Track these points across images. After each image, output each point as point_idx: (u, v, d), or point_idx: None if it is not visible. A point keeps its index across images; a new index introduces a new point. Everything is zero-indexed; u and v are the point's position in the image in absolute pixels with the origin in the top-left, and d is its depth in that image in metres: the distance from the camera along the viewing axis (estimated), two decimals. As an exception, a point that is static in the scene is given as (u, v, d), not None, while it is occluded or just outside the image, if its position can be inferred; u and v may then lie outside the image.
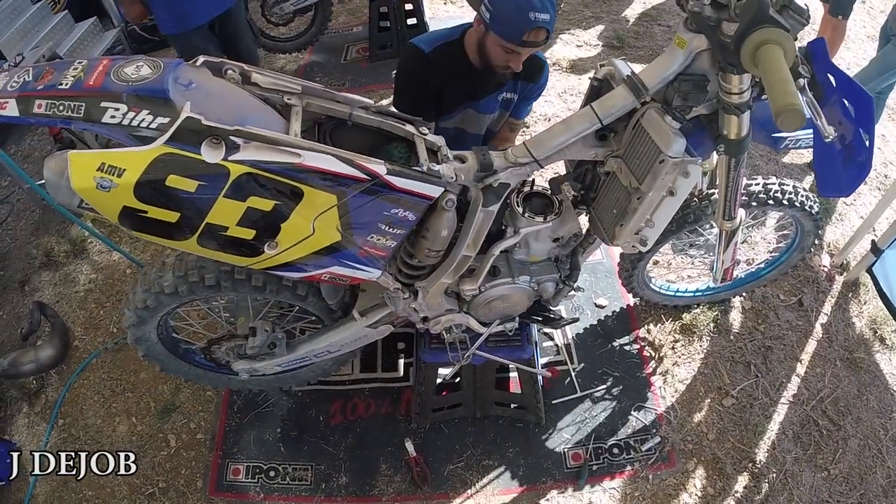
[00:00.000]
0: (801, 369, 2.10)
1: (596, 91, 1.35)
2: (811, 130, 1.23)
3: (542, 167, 1.28)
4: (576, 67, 3.53)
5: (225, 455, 1.94)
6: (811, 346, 2.16)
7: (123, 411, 2.09)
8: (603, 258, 2.44)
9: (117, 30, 4.09)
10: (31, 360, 2.16)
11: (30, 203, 2.96)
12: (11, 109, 1.00)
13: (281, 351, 1.61)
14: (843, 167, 1.20)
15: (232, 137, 1.01)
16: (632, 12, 4.05)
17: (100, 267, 2.61)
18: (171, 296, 1.42)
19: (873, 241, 2.16)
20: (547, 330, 2.16)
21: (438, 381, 1.82)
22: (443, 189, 1.18)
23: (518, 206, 1.38)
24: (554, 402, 2.00)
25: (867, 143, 1.13)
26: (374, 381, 2.09)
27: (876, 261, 2.15)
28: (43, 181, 2.44)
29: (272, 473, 1.89)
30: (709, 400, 2.02)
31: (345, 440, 1.95)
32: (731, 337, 2.18)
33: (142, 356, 1.65)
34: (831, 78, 1.15)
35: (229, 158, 1.01)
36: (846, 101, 1.14)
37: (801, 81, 1.05)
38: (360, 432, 1.96)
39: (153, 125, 1.00)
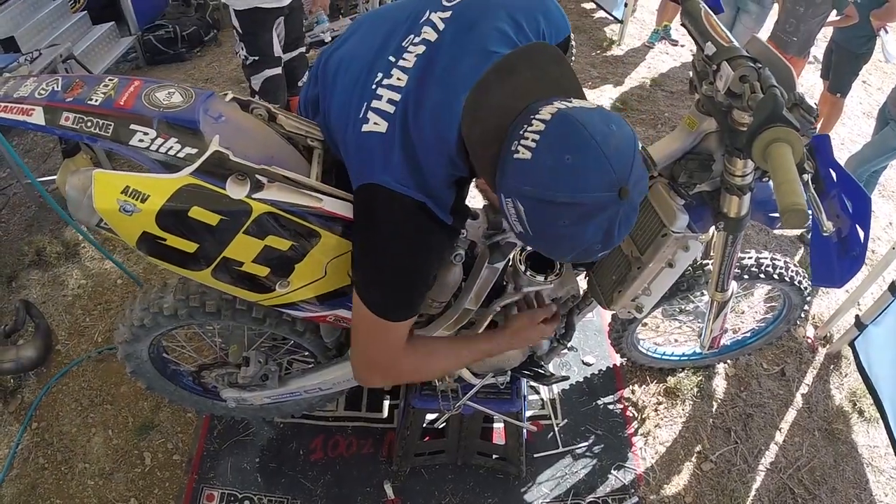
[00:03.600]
0: (779, 438, 2.13)
1: None
2: (810, 213, 1.27)
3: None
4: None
5: (200, 479, 1.90)
6: (791, 415, 2.20)
7: (100, 423, 2.05)
8: (593, 316, 2.47)
9: (133, 37, 4.14)
10: (12, 359, 2.12)
11: (26, 198, 2.94)
12: (38, 117, 1.00)
13: (273, 383, 1.60)
14: (837, 260, 1.25)
15: (257, 176, 1.03)
16: (637, 76, 4.19)
17: (90, 273, 2.59)
18: (169, 318, 1.42)
19: (857, 315, 2.22)
20: (534, 384, 2.17)
21: (424, 425, 1.81)
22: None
23: (521, 264, 1.40)
24: (535, 455, 2.00)
25: (862, 238, 1.18)
26: (358, 419, 2.07)
27: (859, 335, 2.20)
28: (44, 178, 2.48)
29: (247, 503, 1.86)
30: (688, 463, 2.04)
31: (323, 476, 1.92)
32: (714, 402, 2.21)
33: (129, 372, 1.63)
34: (833, 173, 1.21)
35: (253, 196, 1.03)
36: (845, 197, 1.19)
37: (805, 177, 1.09)
38: (340, 470, 1.94)
39: (181, 154, 1.02)
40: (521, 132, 0.83)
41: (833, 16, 3.13)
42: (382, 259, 1.00)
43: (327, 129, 1.16)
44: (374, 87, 1.00)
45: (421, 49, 1.00)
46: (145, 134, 1.01)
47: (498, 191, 0.88)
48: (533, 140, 0.81)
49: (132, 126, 1.01)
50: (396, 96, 0.98)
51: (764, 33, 3.66)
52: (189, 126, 1.02)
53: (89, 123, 1.00)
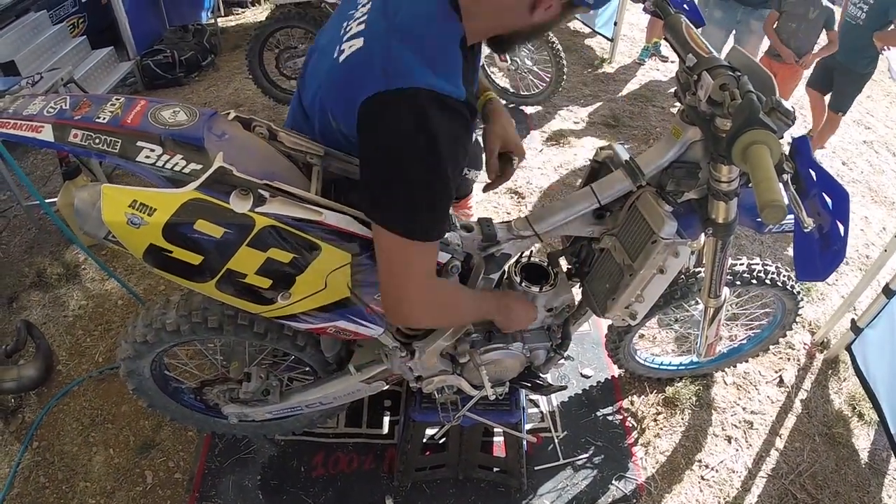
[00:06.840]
0: (780, 444, 2.14)
1: (595, 172, 1.44)
2: (792, 217, 1.30)
3: (542, 241, 1.35)
4: (572, 143, 3.70)
5: (202, 497, 1.90)
6: (791, 421, 2.21)
7: (101, 442, 2.05)
8: (590, 329, 2.49)
9: (132, 62, 4.21)
10: (13, 378, 2.14)
11: (27, 221, 2.97)
12: (47, 134, 1.03)
13: (274, 398, 1.61)
14: (819, 255, 1.28)
15: (260, 190, 1.06)
16: (628, 92, 4.27)
17: (91, 294, 2.61)
18: (172, 333, 1.43)
19: (853, 319, 2.25)
20: (533, 397, 2.19)
21: (424, 440, 1.82)
22: (450, 256, 1.24)
23: (515, 275, 1.43)
24: (536, 468, 2.01)
25: (842, 233, 1.22)
26: (359, 436, 2.07)
27: (855, 339, 2.23)
28: (46, 201, 2.51)
29: (248, 521, 1.86)
30: (689, 472, 2.04)
31: (325, 493, 1.92)
32: (713, 411, 2.23)
33: (132, 390, 1.64)
34: (812, 173, 1.25)
35: (256, 210, 1.06)
36: (825, 195, 1.23)
37: (785, 177, 1.13)
38: (342, 486, 1.94)
39: (186, 170, 1.05)
40: None
41: (823, 37, 3.23)
42: (397, 169, 0.95)
43: (308, 112, 1.20)
44: (342, 35, 1.06)
45: None
46: (152, 150, 1.04)
47: None
48: None
49: (139, 143, 1.04)
50: (364, 16, 1.03)
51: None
52: (194, 143, 1.06)
53: (97, 140, 1.03)
